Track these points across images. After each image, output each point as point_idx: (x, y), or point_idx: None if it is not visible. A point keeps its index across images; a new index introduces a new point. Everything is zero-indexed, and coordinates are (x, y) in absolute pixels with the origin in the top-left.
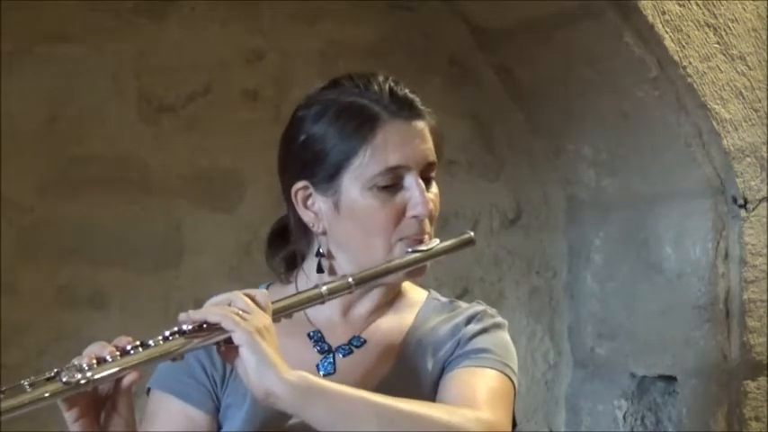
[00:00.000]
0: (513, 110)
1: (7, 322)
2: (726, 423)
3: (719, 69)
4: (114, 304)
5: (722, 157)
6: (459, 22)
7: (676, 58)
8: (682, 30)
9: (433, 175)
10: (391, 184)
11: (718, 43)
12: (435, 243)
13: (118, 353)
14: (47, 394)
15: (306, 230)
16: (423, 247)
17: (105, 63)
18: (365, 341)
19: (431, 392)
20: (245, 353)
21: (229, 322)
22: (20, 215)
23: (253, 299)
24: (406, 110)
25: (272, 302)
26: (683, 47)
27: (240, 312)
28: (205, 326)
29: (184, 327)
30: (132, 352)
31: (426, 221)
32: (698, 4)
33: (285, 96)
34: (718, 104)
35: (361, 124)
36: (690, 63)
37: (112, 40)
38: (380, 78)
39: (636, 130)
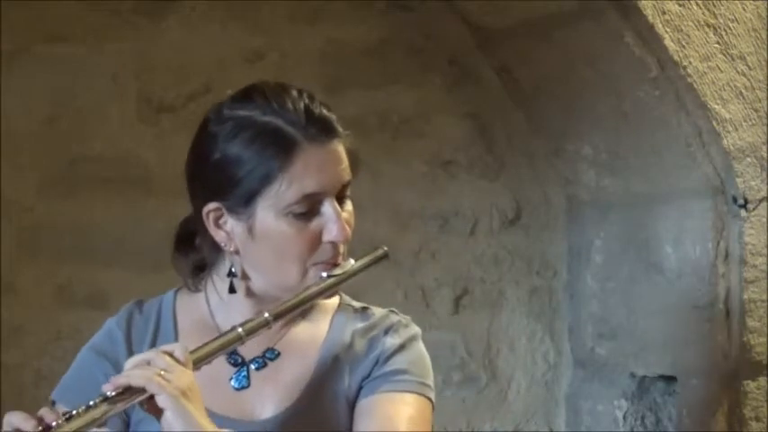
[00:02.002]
0: (513, 110)
1: (7, 322)
2: (726, 423)
3: (719, 69)
4: (114, 304)
5: (722, 157)
6: (459, 22)
7: (676, 58)
8: (682, 30)
9: (348, 193)
10: (307, 210)
11: (718, 43)
12: (350, 264)
13: (40, 428)
14: None
15: (217, 246)
16: (338, 271)
17: (105, 63)
18: (279, 353)
19: (346, 410)
20: (170, 416)
21: (154, 386)
22: (20, 215)
23: (171, 355)
24: (324, 133)
25: (191, 352)
26: (683, 47)
27: (162, 373)
28: (128, 389)
29: (108, 393)
30: (54, 425)
31: (341, 245)
32: (698, 4)
33: None
34: (718, 104)
35: (278, 151)
36: (690, 63)
37: (112, 40)
38: (294, 94)
39: (636, 130)
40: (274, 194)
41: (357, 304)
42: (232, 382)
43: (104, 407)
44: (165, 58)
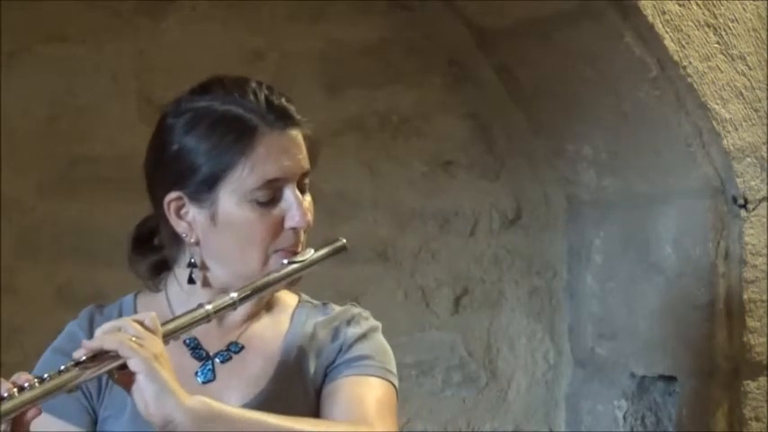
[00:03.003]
0: (513, 110)
1: (7, 322)
2: (726, 423)
3: (719, 69)
4: None
5: (722, 157)
6: (459, 22)
7: (676, 58)
8: (682, 30)
9: (307, 182)
10: (269, 199)
11: (718, 43)
12: (310, 253)
13: (15, 389)
14: None
15: (177, 239)
16: (299, 258)
17: (105, 63)
18: (243, 347)
19: (313, 398)
20: (143, 380)
21: (126, 349)
22: (20, 215)
23: (142, 323)
24: (283, 119)
25: (161, 325)
26: (683, 47)
27: (134, 338)
28: (99, 355)
29: (79, 357)
30: (27, 386)
31: (302, 232)
32: (698, 4)
33: None
34: (718, 104)
35: (238, 137)
36: (690, 63)
37: (112, 40)
38: (254, 85)
39: (636, 130)
40: (236, 180)
41: (317, 302)
42: (198, 377)
43: (75, 371)
44: (165, 58)
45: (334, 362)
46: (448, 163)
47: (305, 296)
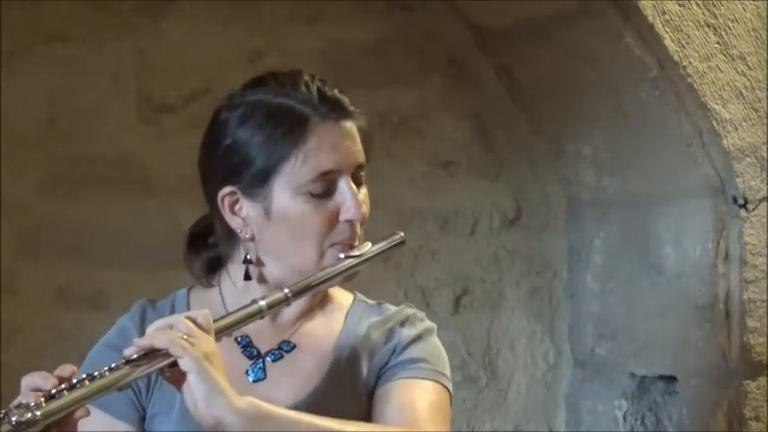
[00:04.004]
0: (513, 110)
1: (7, 322)
2: (726, 423)
3: (719, 69)
4: (114, 304)
5: (722, 157)
6: (459, 22)
7: (676, 58)
8: (682, 30)
9: (362, 174)
10: (324, 191)
11: (718, 43)
12: (367, 247)
13: (64, 386)
14: None
15: (232, 235)
16: (356, 253)
17: (105, 63)
18: (295, 345)
19: (365, 399)
20: (193, 380)
21: (177, 348)
22: (20, 215)
23: (194, 321)
24: (336, 111)
25: (213, 321)
26: (683, 47)
27: (186, 337)
28: (150, 353)
29: (130, 355)
30: (78, 385)
31: (358, 225)
32: (698, 4)
33: None
34: (718, 104)
35: (291, 128)
36: (690, 63)
37: (112, 40)
38: (307, 78)
39: (636, 130)
40: (289, 172)
41: (372, 301)
42: (248, 375)
43: (126, 369)
44: (165, 58)
45: (387, 363)
46: (448, 163)
47: (360, 295)
